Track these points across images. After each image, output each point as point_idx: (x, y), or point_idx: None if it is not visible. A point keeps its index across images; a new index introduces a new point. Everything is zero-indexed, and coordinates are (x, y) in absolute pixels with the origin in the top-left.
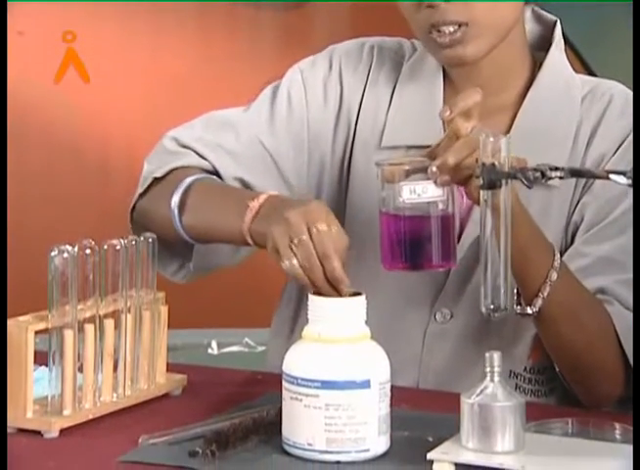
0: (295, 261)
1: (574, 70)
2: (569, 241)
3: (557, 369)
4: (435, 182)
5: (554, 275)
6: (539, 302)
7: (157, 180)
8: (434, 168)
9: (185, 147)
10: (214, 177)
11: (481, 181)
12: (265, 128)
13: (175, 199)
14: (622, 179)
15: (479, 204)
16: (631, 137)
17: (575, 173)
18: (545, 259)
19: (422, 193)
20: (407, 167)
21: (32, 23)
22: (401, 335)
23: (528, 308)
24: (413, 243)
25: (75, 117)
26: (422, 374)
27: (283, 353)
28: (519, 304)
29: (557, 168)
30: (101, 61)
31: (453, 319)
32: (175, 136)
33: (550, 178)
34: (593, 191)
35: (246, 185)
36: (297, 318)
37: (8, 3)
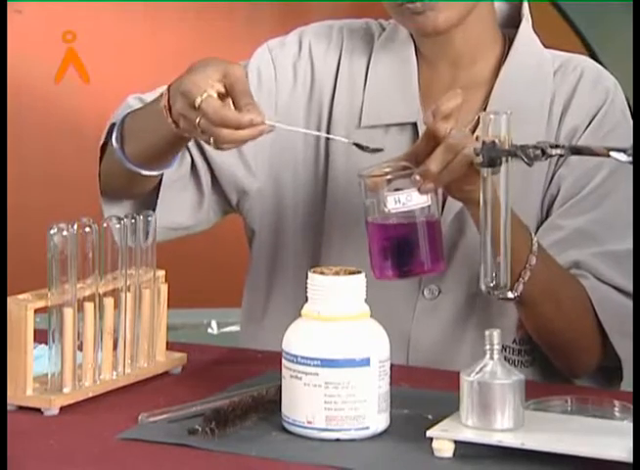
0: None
1: (575, 50)
2: (544, 214)
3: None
4: (419, 190)
5: (533, 259)
6: (520, 286)
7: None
8: (418, 177)
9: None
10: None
11: (482, 159)
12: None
13: (115, 135)
14: (623, 156)
15: (462, 201)
16: (603, 111)
17: (575, 151)
18: (524, 244)
19: (406, 201)
20: (389, 177)
21: (32, 23)
22: (390, 313)
23: (510, 293)
24: (401, 251)
25: (76, 98)
26: (411, 351)
27: (257, 339)
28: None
29: (557, 146)
30: (101, 53)
31: (442, 295)
32: (140, 95)
33: (550, 156)
34: (569, 163)
35: (204, 153)
36: (269, 304)
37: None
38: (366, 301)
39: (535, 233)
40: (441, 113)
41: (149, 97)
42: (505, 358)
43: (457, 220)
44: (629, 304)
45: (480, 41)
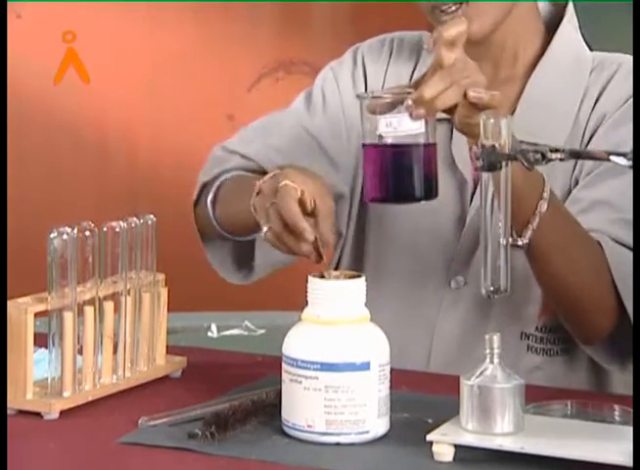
0: (266, 231)
1: None
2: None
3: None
4: (411, 115)
5: (543, 206)
6: (529, 233)
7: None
8: (410, 101)
9: (231, 152)
10: (246, 173)
11: (481, 163)
12: (306, 117)
13: (210, 196)
14: (623, 161)
15: (466, 135)
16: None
17: (575, 155)
18: (534, 190)
19: (397, 126)
20: (389, 100)
21: (32, 23)
22: (418, 304)
23: (519, 240)
24: (389, 175)
25: (74, 96)
26: (435, 340)
27: None
28: (510, 235)
29: (557, 150)
30: (101, 53)
31: (467, 286)
32: (223, 144)
33: (550, 160)
34: (592, 144)
35: None
36: None
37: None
38: (394, 294)
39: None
40: (443, 39)
41: (230, 142)
42: (528, 347)
43: None
44: None
45: (521, 40)
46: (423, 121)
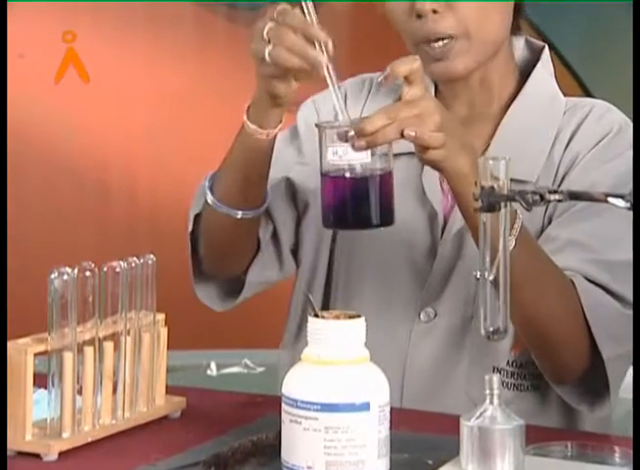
0: (271, 49)
1: (572, 92)
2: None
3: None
4: (353, 146)
5: (512, 242)
6: (495, 269)
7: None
8: (352, 133)
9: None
10: None
11: (480, 204)
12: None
13: (208, 184)
14: (621, 202)
15: (430, 167)
16: (608, 138)
17: (574, 196)
18: None
19: (343, 155)
20: (346, 129)
21: (32, 24)
22: (388, 336)
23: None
24: (338, 202)
25: (74, 135)
26: (407, 373)
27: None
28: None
29: (555, 191)
30: (100, 65)
31: (437, 318)
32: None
33: (549, 201)
34: (568, 181)
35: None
36: (300, 332)
37: (8, 3)
38: (365, 326)
39: None
40: (394, 74)
41: None
42: (500, 382)
43: (456, 241)
44: (616, 305)
45: (498, 80)
46: (369, 152)
